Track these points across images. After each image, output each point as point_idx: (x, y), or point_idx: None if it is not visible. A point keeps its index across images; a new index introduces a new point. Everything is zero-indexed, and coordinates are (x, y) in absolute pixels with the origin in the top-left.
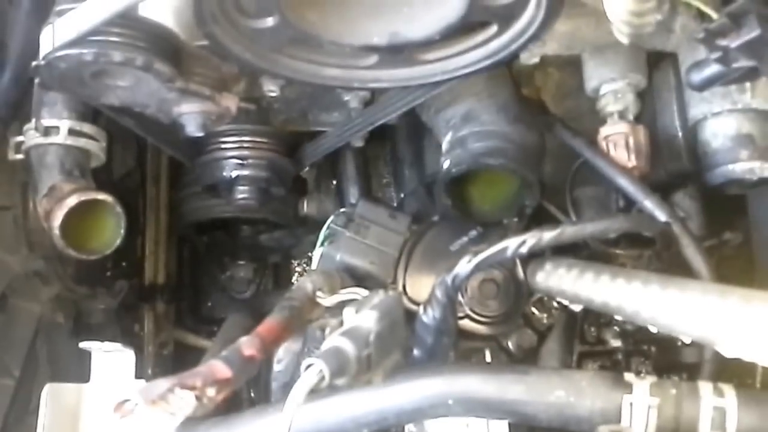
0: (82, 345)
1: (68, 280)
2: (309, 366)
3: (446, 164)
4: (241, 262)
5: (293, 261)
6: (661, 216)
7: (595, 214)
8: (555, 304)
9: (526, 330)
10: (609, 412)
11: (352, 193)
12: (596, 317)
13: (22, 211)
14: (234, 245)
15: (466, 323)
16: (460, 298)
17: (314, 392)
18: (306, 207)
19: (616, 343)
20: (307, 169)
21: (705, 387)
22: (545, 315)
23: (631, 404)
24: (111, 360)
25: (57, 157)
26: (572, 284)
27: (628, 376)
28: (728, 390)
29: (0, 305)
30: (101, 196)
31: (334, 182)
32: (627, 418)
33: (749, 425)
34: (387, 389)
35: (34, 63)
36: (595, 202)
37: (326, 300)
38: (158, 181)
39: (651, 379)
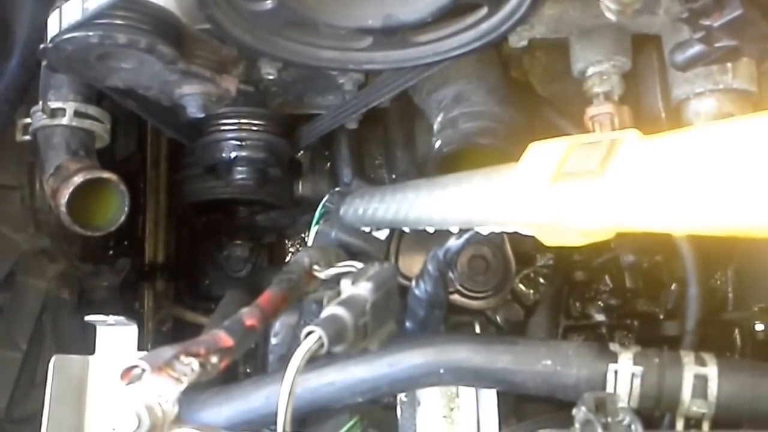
0: (88, 318)
1: (73, 258)
2: (309, 333)
3: (438, 144)
4: (238, 242)
5: (287, 241)
6: None
7: None
8: (541, 280)
9: (513, 305)
10: (594, 380)
11: (346, 174)
12: (581, 293)
13: (29, 191)
14: (231, 225)
15: (456, 298)
16: (450, 273)
17: (312, 360)
18: (301, 188)
19: (600, 317)
20: (301, 153)
21: (687, 356)
22: (532, 291)
23: (615, 372)
24: (115, 333)
25: (63, 138)
26: (383, 209)
27: (613, 346)
28: (710, 359)
29: (8, 282)
30: (106, 174)
31: (328, 164)
32: (612, 386)
33: (730, 392)
34: (380, 359)
35: (42, 46)
36: None
37: (322, 273)
38: (158, 164)
39: (635, 348)
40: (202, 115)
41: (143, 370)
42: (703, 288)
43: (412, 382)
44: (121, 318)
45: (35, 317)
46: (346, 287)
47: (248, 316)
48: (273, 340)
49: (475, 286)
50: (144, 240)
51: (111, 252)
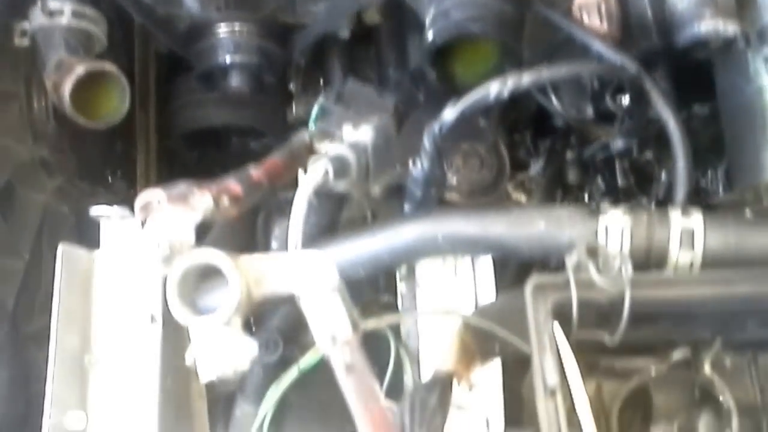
0: (93, 212)
1: (71, 173)
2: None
3: (430, 36)
4: None
5: None
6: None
7: (572, 95)
8: (534, 187)
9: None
10: (586, 238)
11: None
12: (575, 197)
13: (26, 101)
14: (224, 158)
15: (451, 196)
16: (446, 172)
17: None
18: (294, 110)
19: None
20: (292, 87)
21: (674, 211)
22: (525, 196)
23: (606, 228)
24: (119, 228)
25: (62, 37)
26: None
27: (603, 206)
28: (695, 212)
29: (7, 193)
30: (107, 66)
31: (321, 85)
32: (603, 241)
33: (715, 244)
34: (382, 232)
35: None
36: (572, 84)
37: (322, 147)
38: (147, 106)
39: (624, 206)
40: (199, 11)
41: (159, 201)
42: (690, 161)
43: (411, 252)
44: (126, 211)
45: (35, 230)
46: (348, 132)
47: (254, 170)
48: None
49: (470, 185)
50: (135, 181)
51: (109, 180)
